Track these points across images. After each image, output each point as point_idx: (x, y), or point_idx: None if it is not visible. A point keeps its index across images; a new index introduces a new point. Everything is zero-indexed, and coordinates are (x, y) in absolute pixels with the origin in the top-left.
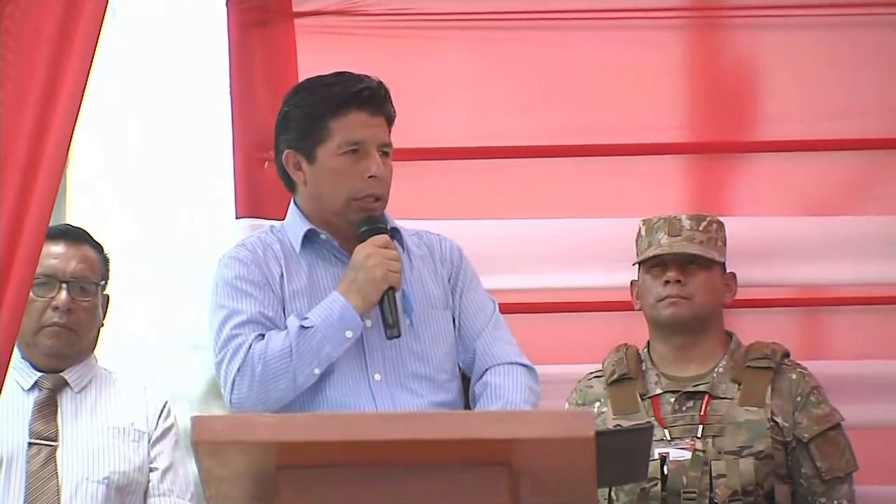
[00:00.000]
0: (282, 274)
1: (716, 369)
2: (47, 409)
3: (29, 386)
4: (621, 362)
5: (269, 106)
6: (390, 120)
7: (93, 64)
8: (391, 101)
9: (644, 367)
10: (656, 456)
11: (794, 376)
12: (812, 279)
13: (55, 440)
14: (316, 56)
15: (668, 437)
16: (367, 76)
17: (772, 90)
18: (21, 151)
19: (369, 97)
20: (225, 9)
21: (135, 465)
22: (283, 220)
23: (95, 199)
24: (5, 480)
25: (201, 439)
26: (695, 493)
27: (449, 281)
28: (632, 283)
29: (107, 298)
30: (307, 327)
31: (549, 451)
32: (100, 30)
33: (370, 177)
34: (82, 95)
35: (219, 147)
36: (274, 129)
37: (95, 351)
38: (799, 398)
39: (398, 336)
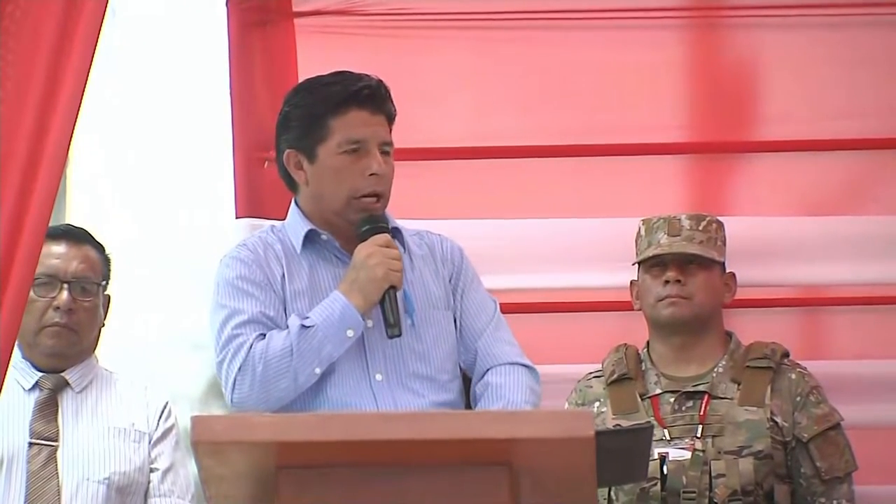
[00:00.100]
0: (283, 274)
1: (715, 369)
2: (48, 409)
3: (30, 386)
4: (621, 362)
5: (269, 106)
6: (391, 118)
7: (93, 64)
8: (391, 100)
9: (644, 367)
10: (656, 456)
11: (793, 376)
12: (812, 279)
13: (56, 440)
14: (316, 56)
15: (668, 437)
16: (366, 75)
17: (772, 90)
18: (21, 151)
19: (369, 96)
20: (225, 9)
21: (135, 466)
22: (283, 219)
23: (95, 199)
24: (6, 480)
25: (201, 439)
26: (694, 492)
27: (450, 281)
28: (631, 282)
29: (108, 299)
30: (308, 327)
31: (549, 451)
32: (100, 30)
33: (371, 175)
34: (82, 95)
35: (219, 147)
36: (274, 129)
37: (96, 351)
38: (798, 398)
39: (399, 335)
